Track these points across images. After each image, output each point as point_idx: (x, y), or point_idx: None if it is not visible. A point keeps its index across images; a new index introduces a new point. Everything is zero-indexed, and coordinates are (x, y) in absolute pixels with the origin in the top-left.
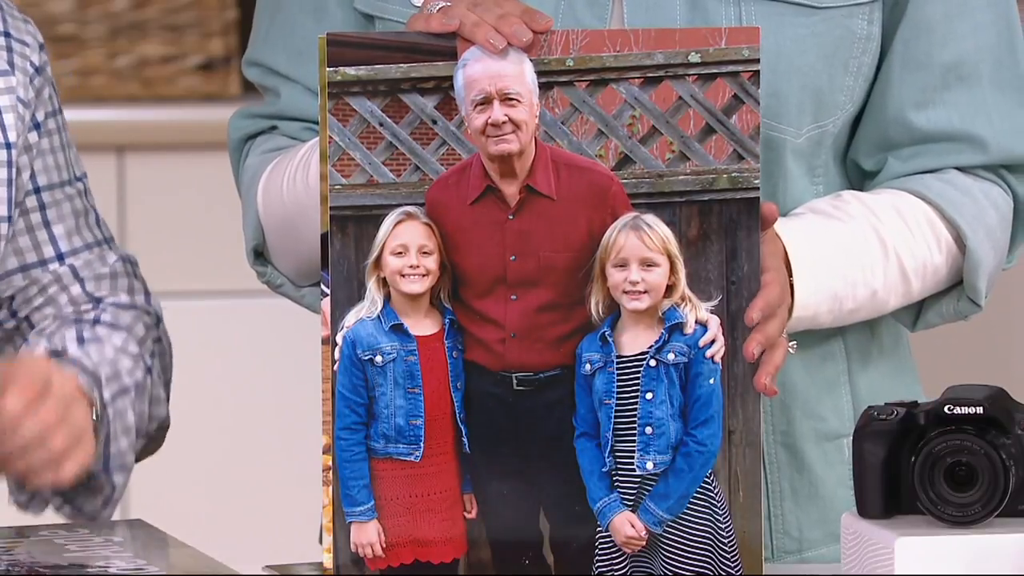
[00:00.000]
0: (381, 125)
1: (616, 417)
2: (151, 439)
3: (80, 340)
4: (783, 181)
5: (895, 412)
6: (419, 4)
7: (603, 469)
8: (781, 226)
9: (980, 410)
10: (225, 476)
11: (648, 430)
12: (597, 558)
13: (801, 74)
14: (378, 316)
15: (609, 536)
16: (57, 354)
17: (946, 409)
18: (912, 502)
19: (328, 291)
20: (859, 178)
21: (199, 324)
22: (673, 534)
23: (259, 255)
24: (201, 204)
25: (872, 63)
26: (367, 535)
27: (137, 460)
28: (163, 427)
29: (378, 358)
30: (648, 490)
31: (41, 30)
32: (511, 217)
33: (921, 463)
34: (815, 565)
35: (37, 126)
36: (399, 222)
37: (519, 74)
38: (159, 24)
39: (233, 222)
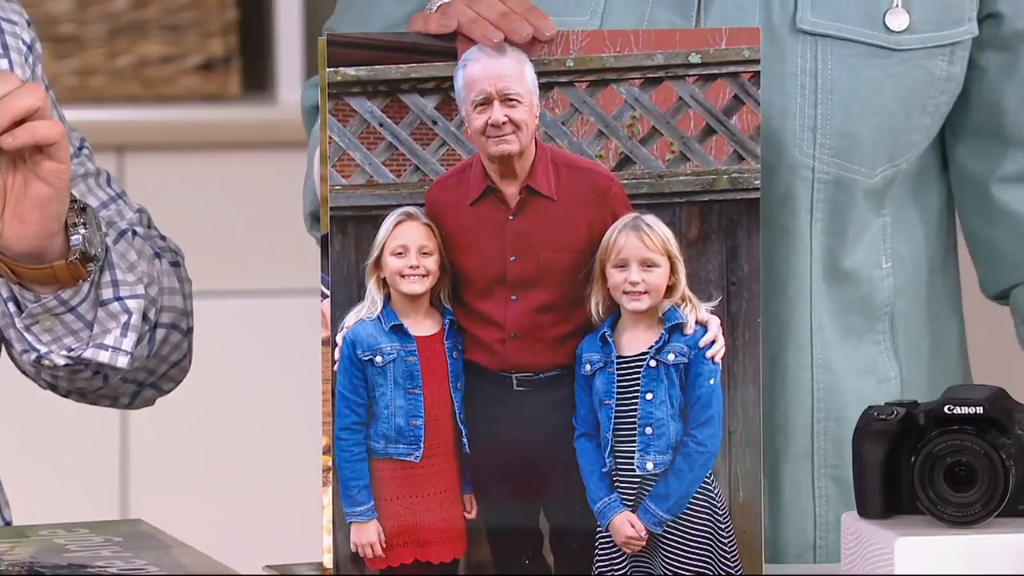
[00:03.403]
0: (381, 125)
1: (616, 417)
2: (173, 347)
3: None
4: (850, 218)
5: (895, 412)
6: None
7: (603, 469)
8: None
9: (980, 410)
10: (225, 476)
11: (648, 430)
12: (597, 558)
13: (875, 115)
14: (378, 316)
15: (609, 536)
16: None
17: (946, 409)
18: (912, 502)
19: (328, 292)
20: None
21: (199, 324)
22: (673, 534)
23: (316, 219)
24: (201, 204)
25: (950, 101)
26: (367, 535)
27: (155, 384)
28: (186, 334)
29: (378, 358)
30: (648, 490)
31: (41, 30)
32: (511, 218)
33: (921, 463)
34: (815, 565)
35: None
36: (399, 223)
37: (519, 74)
38: (159, 24)
39: (233, 222)
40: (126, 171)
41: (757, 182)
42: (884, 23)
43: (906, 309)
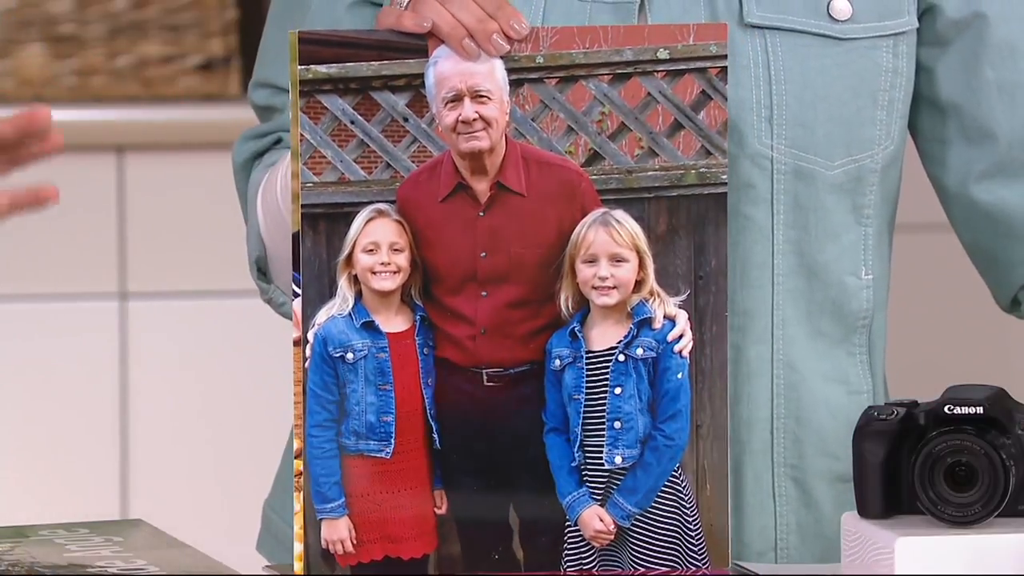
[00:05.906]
0: (352, 123)
1: (585, 412)
2: None
3: None
4: (815, 213)
5: (895, 412)
6: None
7: (572, 464)
8: None
9: (980, 410)
10: (225, 476)
11: (617, 425)
12: (566, 552)
13: (827, 104)
14: (349, 313)
15: (578, 530)
16: None
17: (946, 409)
18: (912, 502)
19: (299, 291)
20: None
21: (199, 324)
22: (641, 528)
23: (262, 272)
24: (201, 204)
25: (905, 99)
26: (338, 532)
27: None
28: None
29: (349, 355)
30: (616, 484)
31: (41, 30)
32: (481, 214)
33: (921, 463)
34: (815, 565)
35: None
36: (370, 219)
37: (489, 71)
38: (159, 24)
39: (233, 222)
40: (126, 171)
41: (724, 177)
42: (828, 13)
43: (880, 328)
